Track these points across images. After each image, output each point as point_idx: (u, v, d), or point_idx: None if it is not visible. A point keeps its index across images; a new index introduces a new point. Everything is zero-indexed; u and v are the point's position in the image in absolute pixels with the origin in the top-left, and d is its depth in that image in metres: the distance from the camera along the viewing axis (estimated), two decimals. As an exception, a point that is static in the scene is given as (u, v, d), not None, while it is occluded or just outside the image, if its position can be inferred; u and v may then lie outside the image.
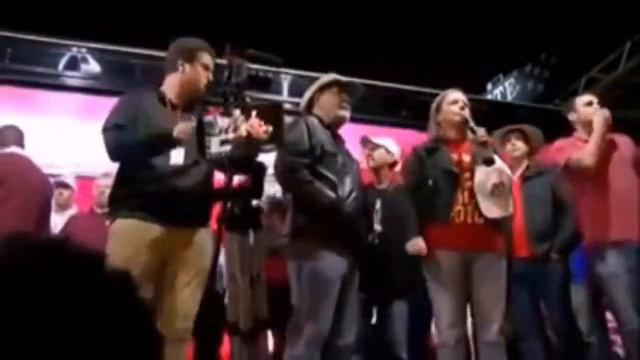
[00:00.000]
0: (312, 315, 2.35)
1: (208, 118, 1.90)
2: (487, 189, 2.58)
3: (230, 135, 1.87)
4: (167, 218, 2.15)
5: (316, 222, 2.41)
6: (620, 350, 3.91)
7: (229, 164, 1.94)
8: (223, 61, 2.09)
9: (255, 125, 1.90)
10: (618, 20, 7.22)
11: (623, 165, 2.97)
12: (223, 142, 1.88)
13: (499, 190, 2.58)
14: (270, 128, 1.91)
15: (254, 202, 2.10)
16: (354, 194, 2.48)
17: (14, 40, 4.55)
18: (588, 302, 3.75)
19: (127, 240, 2.11)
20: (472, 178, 2.63)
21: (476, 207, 2.59)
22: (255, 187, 2.07)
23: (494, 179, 2.57)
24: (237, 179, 2.12)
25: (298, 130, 2.49)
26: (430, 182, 2.68)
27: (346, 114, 2.65)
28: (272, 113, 1.96)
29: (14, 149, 3.26)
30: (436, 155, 2.72)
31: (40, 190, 3.26)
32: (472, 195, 2.61)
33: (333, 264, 2.40)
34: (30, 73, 4.55)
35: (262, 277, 2.13)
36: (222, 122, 1.88)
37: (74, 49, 4.84)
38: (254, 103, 2.04)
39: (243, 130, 1.89)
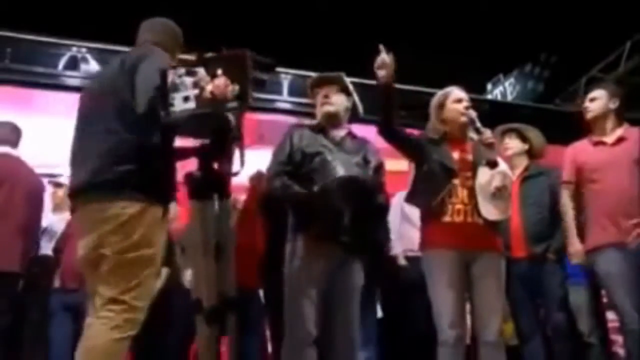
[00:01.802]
0: (295, 317, 2.38)
1: (174, 78, 1.79)
2: (489, 191, 2.57)
3: (193, 92, 1.76)
4: (165, 201, 2.03)
5: (299, 223, 2.49)
6: (620, 351, 3.91)
7: (193, 123, 1.81)
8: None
9: (221, 86, 1.79)
10: (618, 20, 7.22)
11: (628, 166, 2.94)
12: (186, 99, 1.77)
13: (500, 194, 2.57)
14: (237, 87, 1.80)
15: (218, 167, 1.96)
16: (334, 187, 2.43)
17: (14, 40, 4.55)
18: (588, 302, 3.75)
19: (161, 226, 1.96)
20: (473, 177, 2.63)
21: (476, 207, 2.59)
22: (219, 148, 1.95)
23: (498, 182, 2.56)
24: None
25: (282, 141, 2.62)
26: (425, 168, 2.69)
27: (328, 108, 2.66)
28: (238, 67, 1.83)
29: (3, 148, 3.27)
30: (438, 148, 2.72)
31: (27, 187, 3.27)
32: (473, 195, 2.60)
33: (308, 263, 2.42)
34: (30, 73, 4.55)
35: (229, 250, 1.92)
36: (188, 82, 1.78)
37: (74, 49, 4.84)
38: (219, 56, 1.89)
39: (207, 92, 1.78)
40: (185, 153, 2.12)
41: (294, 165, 2.53)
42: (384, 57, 2.51)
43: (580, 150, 3.12)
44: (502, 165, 2.61)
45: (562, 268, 3.23)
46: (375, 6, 8.41)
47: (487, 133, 2.59)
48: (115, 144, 1.92)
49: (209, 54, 1.90)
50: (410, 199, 2.83)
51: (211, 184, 1.95)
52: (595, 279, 3.18)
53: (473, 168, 2.64)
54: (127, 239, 1.87)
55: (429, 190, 2.64)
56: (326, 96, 2.67)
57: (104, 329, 1.81)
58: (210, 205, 1.92)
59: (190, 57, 1.95)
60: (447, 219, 2.59)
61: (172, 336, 3.82)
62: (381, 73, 2.52)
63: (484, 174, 2.60)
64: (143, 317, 1.90)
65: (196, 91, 1.78)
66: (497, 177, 2.57)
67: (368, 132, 2.75)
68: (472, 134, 2.70)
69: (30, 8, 6.62)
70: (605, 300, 3.92)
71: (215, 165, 2.03)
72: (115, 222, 1.87)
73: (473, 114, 2.68)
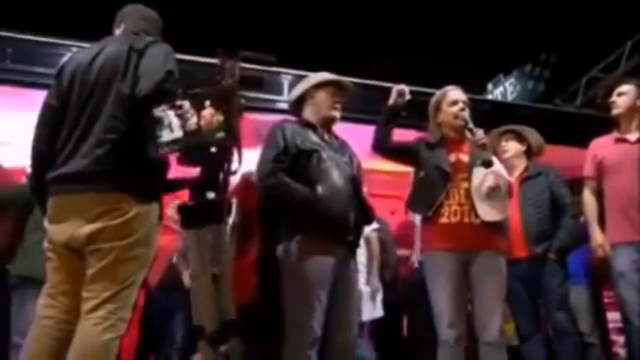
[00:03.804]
0: (301, 318, 2.35)
1: (158, 112, 1.79)
2: (482, 192, 2.57)
3: (179, 133, 1.78)
4: (161, 200, 2.04)
5: (299, 223, 2.43)
6: (621, 351, 3.91)
7: (181, 155, 1.84)
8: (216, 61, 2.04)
9: (208, 116, 1.80)
10: (619, 20, 7.22)
11: (633, 166, 2.94)
12: (171, 131, 1.79)
13: (494, 194, 2.57)
14: (221, 117, 1.82)
15: (211, 195, 1.99)
16: (338, 187, 2.45)
17: (14, 40, 4.54)
18: (589, 302, 3.75)
19: (158, 226, 1.97)
20: (469, 179, 2.63)
21: (472, 207, 2.59)
22: (209, 178, 1.97)
23: (490, 182, 2.57)
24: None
25: (273, 137, 2.52)
26: (422, 173, 2.73)
27: (337, 114, 2.66)
28: (223, 99, 1.87)
29: None
30: (434, 152, 2.74)
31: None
32: (469, 195, 2.60)
33: (319, 264, 2.39)
34: (31, 73, 4.54)
35: (226, 276, 1.96)
36: (172, 115, 1.79)
37: (74, 49, 4.83)
38: (206, 91, 1.90)
39: (192, 124, 1.78)
40: (180, 184, 2.09)
41: (290, 161, 2.47)
42: (406, 90, 2.70)
43: (601, 145, 3.11)
44: (497, 165, 2.61)
45: (563, 268, 3.23)
46: (376, 7, 8.41)
47: (479, 134, 2.59)
48: (121, 133, 1.86)
49: (195, 90, 1.90)
50: (410, 205, 2.86)
51: (204, 213, 1.97)
52: (595, 279, 3.18)
53: (469, 169, 2.65)
54: (130, 237, 1.83)
55: (425, 198, 2.67)
56: (338, 101, 2.66)
57: (99, 329, 1.76)
58: (205, 234, 1.95)
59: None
60: (444, 220, 2.60)
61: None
62: (395, 97, 2.73)
63: (477, 175, 2.61)
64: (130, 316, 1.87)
65: (181, 123, 1.79)
66: (489, 177, 2.57)
67: (365, 132, 2.76)
68: (468, 135, 2.71)
69: (30, 8, 6.63)
70: (606, 300, 3.93)
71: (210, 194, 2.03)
72: (123, 218, 1.82)
73: (466, 115, 2.68)
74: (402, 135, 2.86)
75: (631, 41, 7.12)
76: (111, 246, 1.81)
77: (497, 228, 2.64)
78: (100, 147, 1.85)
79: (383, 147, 2.77)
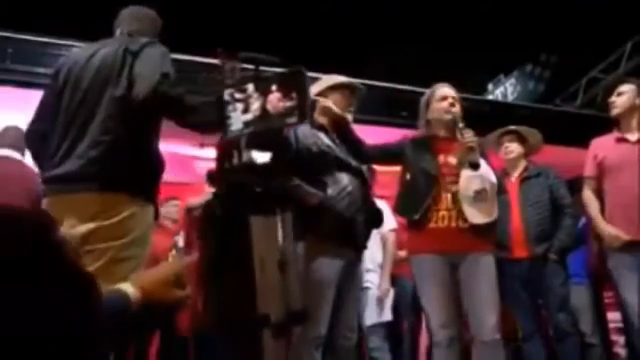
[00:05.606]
0: (312, 318, 2.35)
1: (225, 96, 1.78)
2: (470, 195, 2.54)
3: (248, 117, 1.77)
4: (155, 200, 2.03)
5: (309, 224, 2.42)
6: (621, 351, 3.92)
7: (249, 140, 1.81)
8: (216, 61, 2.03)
9: (274, 101, 1.75)
10: (619, 20, 7.22)
11: (633, 166, 2.93)
12: (244, 113, 1.78)
13: (481, 197, 2.52)
14: (289, 103, 1.75)
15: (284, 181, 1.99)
16: (348, 189, 2.47)
17: (14, 40, 4.54)
18: (589, 303, 3.76)
19: (152, 226, 1.98)
20: (457, 182, 2.57)
21: (460, 211, 2.54)
22: (277, 164, 1.97)
23: (476, 186, 2.52)
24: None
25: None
26: (408, 176, 2.67)
27: (350, 117, 2.66)
28: (294, 82, 1.78)
29: (5, 151, 3.23)
30: (422, 153, 2.68)
31: (15, 196, 3.17)
32: (456, 199, 2.55)
33: (326, 265, 2.41)
34: (31, 73, 4.54)
35: (292, 264, 1.96)
36: (237, 98, 1.78)
37: (74, 49, 4.83)
38: (272, 74, 1.86)
39: (256, 109, 1.76)
40: (240, 169, 2.08)
41: (302, 163, 2.47)
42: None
43: (602, 145, 3.10)
44: (483, 167, 2.55)
45: (564, 268, 3.23)
46: (377, 7, 8.41)
47: (468, 135, 2.53)
48: (116, 135, 1.86)
49: (263, 72, 1.87)
50: (396, 209, 2.81)
51: (272, 198, 1.96)
52: (595, 280, 3.17)
53: (457, 172, 2.59)
54: (126, 237, 1.84)
55: (412, 203, 2.63)
56: (350, 104, 2.67)
57: None
58: (272, 220, 1.94)
59: (241, 73, 1.90)
60: (432, 225, 2.56)
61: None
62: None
63: (464, 178, 2.56)
64: None
65: (244, 107, 1.79)
66: (475, 180, 2.52)
67: (364, 132, 2.75)
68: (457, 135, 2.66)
69: (30, 8, 6.63)
70: (606, 300, 3.93)
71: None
72: (118, 218, 1.82)
73: (457, 113, 2.64)
74: (401, 135, 2.85)
75: (631, 41, 7.12)
76: (107, 246, 1.81)
77: (486, 230, 2.57)
78: (95, 148, 1.86)
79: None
